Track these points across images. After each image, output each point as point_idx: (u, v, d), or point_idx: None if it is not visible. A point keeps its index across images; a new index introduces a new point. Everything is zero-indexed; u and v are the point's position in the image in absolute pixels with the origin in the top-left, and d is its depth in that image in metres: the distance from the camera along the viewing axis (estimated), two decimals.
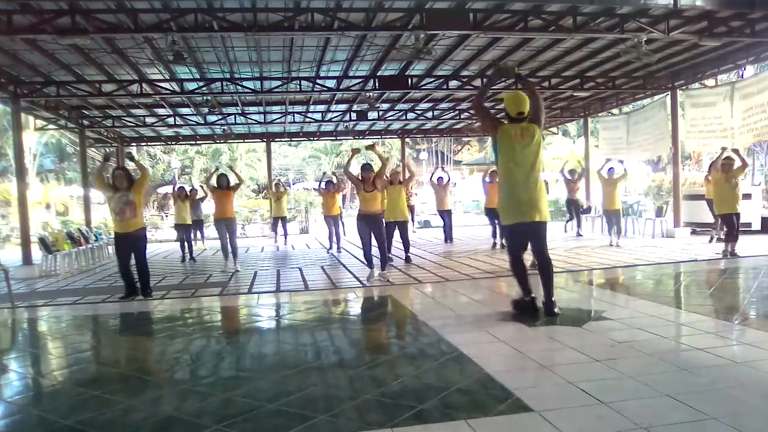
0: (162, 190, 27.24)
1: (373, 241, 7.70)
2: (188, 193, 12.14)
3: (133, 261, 6.94)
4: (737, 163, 8.94)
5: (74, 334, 5.47)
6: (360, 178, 7.78)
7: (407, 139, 21.98)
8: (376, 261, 7.81)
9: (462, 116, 17.33)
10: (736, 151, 9.39)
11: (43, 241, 10.69)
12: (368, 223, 7.66)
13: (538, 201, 4.78)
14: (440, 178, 13.29)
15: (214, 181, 9.71)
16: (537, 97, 4.95)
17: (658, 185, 21.47)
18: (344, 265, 9.81)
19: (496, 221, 10.97)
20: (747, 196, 12.42)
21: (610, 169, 11.53)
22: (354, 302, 6.62)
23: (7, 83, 10.60)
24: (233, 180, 10.06)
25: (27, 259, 10.87)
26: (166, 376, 3.86)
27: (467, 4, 7.98)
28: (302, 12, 7.76)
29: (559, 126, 22.03)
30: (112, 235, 11.92)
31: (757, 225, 12.38)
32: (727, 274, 7.28)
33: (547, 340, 4.09)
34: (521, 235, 4.91)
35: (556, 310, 4.78)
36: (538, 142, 4.81)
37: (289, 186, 19.40)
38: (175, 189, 12.37)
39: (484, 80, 5.92)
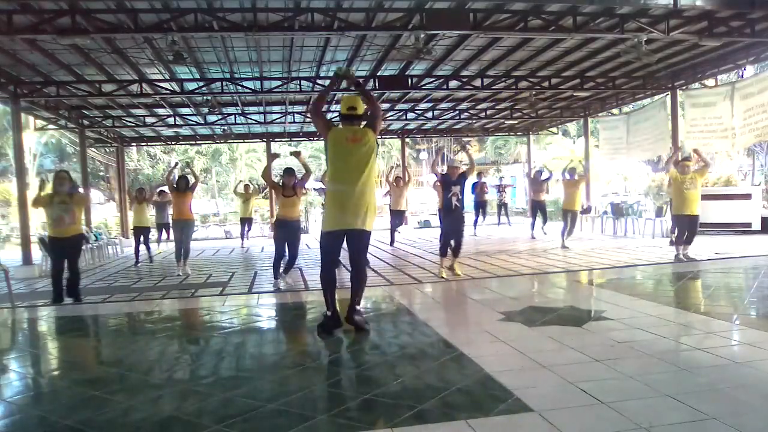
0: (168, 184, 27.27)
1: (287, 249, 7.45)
2: (146, 196, 11.94)
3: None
4: (694, 166, 8.51)
5: (74, 334, 5.47)
6: (281, 183, 7.56)
7: (407, 139, 21.97)
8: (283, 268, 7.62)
9: (462, 116, 17.32)
10: (697, 151, 8.92)
11: (43, 241, 10.68)
12: (285, 229, 7.38)
13: (363, 209, 4.50)
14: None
15: (174, 181, 9.55)
16: (373, 104, 4.82)
17: (658, 185, 21.44)
18: (344, 266, 9.80)
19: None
20: (747, 196, 12.45)
21: (571, 170, 11.37)
22: None
23: (7, 83, 10.61)
24: (192, 180, 9.89)
25: (27, 259, 10.87)
26: (166, 376, 3.86)
27: (467, 4, 7.98)
28: (302, 12, 7.77)
29: (559, 126, 22.03)
30: (113, 235, 11.89)
31: (757, 225, 12.38)
32: (727, 274, 7.28)
33: (547, 340, 4.08)
34: (339, 243, 4.69)
35: (357, 318, 4.59)
36: (371, 147, 4.57)
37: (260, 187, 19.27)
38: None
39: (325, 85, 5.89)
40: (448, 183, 7.48)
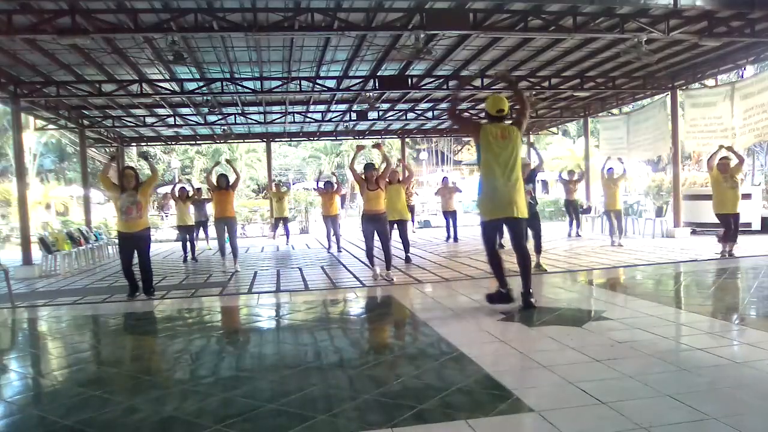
0: (162, 190, 27.26)
1: (377, 242, 7.68)
2: (189, 194, 12.13)
3: (135, 260, 6.95)
4: (734, 161, 8.90)
5: (74, 334, 5.48)
6: (363, 177, 7.77)
7: (407, 139, 21.97)
8: (379, 261, 7.80)
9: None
10: (730, 148, 9.29)
11: (43, 241, 10.69)
12: (373, 222, 7.65)
13: (516, 198, 5.01)
14: (445, 179, 13.87)
15: (214, 179, 9.69)
16: (525, 104, 5.40)
17: (658, 185, 21.46)
18: (344, 265, 9.81)
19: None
20: (747, 196, 12.43)
21: (610, 168, 11.53)
22: (354, 302, 6.62)
23: (7, 83, 10.60)
24: (232, 177, 10.02)
25: (27, 259, 10.86)
26: (166, 376, 3.86)
27: (467, 4, 7.98)
28: (302, 12, 7.76)
29: (559, 126, 22.03)
30: (113, 235, 11.91)
31: (757, 225, 12.38)
32: (727, 274, 7.28)
33: (547, 340, 4.08)
34: (499, 230, 5.27)
35: (532, 300, 5.01)
36: (517, 143, 5.06)
37: (289, 186, 19.33)
38: (175, 189, 12.34)
39: (453, 90, 6.45)
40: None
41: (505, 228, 5.39)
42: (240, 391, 3.27)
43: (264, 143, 21.06)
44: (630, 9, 8.22)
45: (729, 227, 8.79)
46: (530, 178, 7.59)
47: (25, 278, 9.83)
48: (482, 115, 5.75)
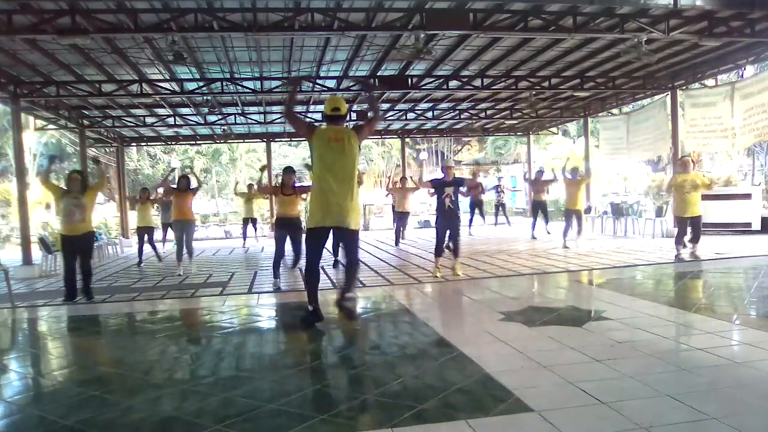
0: (162, 190, 27.30)
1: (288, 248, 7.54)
2: (149, 196, 11.93)
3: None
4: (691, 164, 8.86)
5: (74, 334, 5.47)
6: (281, 182, 7.64)
7: (407, 139, 21.96)
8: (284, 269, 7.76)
9: (462, 116, 17.31)
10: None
11: (43, 241, 10.69)
12: (286, 227, 7.46)
13: (347, 207, 4.67)
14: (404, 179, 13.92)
15: (172, 182, 9.64)
16: (377, 115, 5.20)
17: (658, 185, 21.45)
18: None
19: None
20: (747, 196, 12.45)
21: (574, 170, 11.43)
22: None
23: (7, 83, 10.60)
24: (194, 183, 9.95)
25: (27, 259, 10.87)
26: (165, 376, 3.86)
27: (467, 4, 7.98)
28: (302, 12, 7.76)
29: (559, 126, 22.02)
30: (113, 235, 11.86)
31: (757, 225, 12.38)
32: (728, 274, 7.28)
33: (547, 340, 4.08)
34: (323, 239, 4.86)
35: (348, 304, 4.79)
36: (352, 148, 4.73)
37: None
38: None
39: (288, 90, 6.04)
40: (442, 184, 7.52)
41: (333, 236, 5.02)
42: (240, 391, 3.26)
43: (264, 143, 21.06)
44: (630, 9, 8.22)
45: (685, 231, 8.73)
46: (453, 182, 7.53)
47: (25, 278, 9.84)
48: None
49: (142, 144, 20.50)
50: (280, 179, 7.79)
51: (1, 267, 7.03)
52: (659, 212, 13.43)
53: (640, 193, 22.89)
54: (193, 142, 24.09)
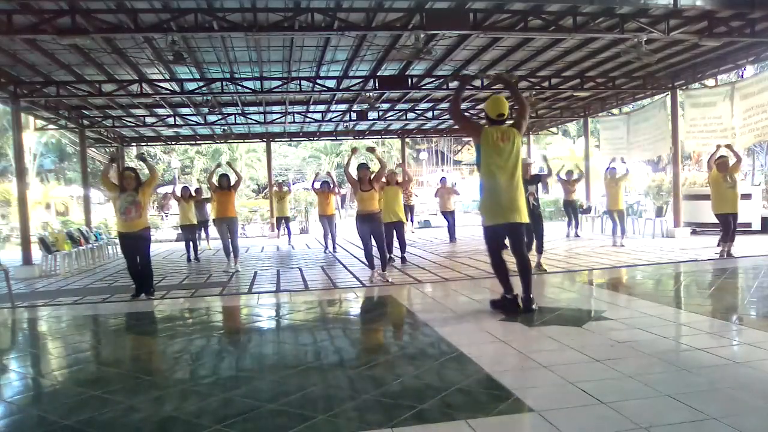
0: (162, 190, 27.25)
1: (373, 241, 7.70)
2: (192, 194, 12.17)
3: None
4: (732, 160, 8.93)
5: (74, 334, 5.47)
6: (357, 177, 7.78)
7: (407, 139, 21.96)
8: (377, 261, 7.81)
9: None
10: (729, 146, 9.36)
11: (43, 241, 10.69)
12: (367, 222, 7.65)
13: (517, 203, 4.97)
14: (443, 179, 13.85)
15: (215, 180, 9.72)
16: (524, 105, 5.42)
17: (658, 185, 21.45)
18: (344, 265, 9.81)
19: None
20: (747, 196, 12.43)
21: (612, 168, 11.52)
22: (354, 302, 6.62)
23: (7, 83, 10.60)
24: (233, 178, 10.07)
25: (27, 259, 10.87)
26: (166, 376, 3.86)
27: (467, 4, 7.98)
28: (302, 12, 7.76)
29: (559, 126, 22.02)
30: (113, 235, 11.91)
31: (757, 225, 12.37)
32: (727, 274, 7.27)
33: (547, 340, 4.08)
34: (501, 236, 5.12)
35: (534, 306, 4.95)
36: (518, 146, 5.01)
37: (290, 186, 19.37)
38: (175, 189, 12.39)
39: (454, 87, 6.22)
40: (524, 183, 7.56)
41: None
42: (240, 391, 3.26)
43: (264, 143, 21.07)
44: (630, 9, 8.22)
45: (728, 227, 8.81)
46: (533, 180, 7.60)
47: (25, 278, 9.83)
48: (482, 115, 5.65)
49: (142, 144, 20.49)
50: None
51: (1, 267, 7.04)
52: (659, 212, 13.44)
53: (640, 193, 22.90)
54: (193, 142, 24.12)
